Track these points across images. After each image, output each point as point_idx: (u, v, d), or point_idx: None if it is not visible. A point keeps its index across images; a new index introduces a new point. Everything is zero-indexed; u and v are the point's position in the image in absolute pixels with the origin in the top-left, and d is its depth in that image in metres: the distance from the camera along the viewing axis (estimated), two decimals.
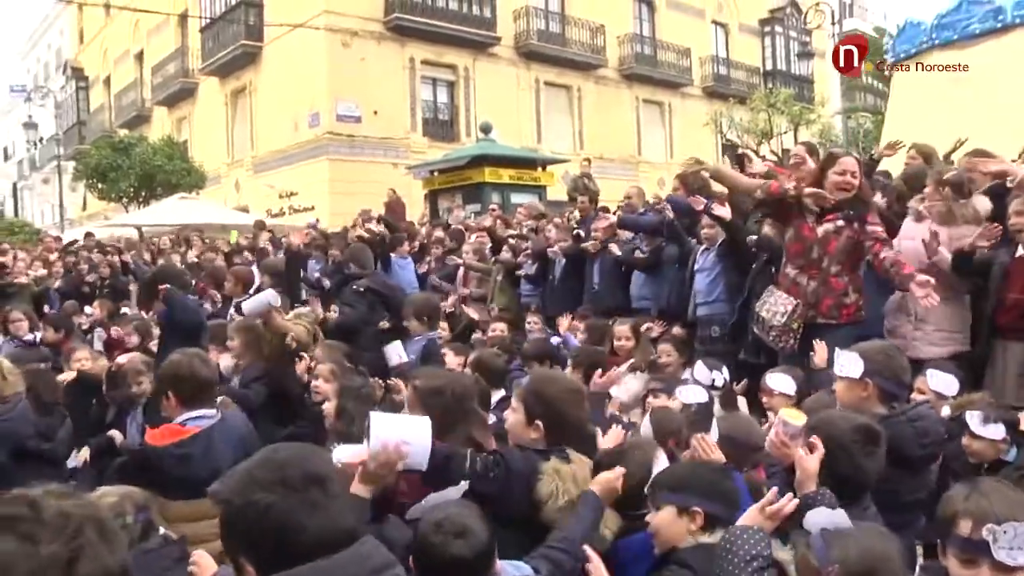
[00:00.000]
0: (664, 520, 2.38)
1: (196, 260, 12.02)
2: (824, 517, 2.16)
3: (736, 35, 31.04)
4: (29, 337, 7.41)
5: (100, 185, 23.89)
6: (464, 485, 2.50)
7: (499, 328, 6.76)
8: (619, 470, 2.60)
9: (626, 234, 7.66)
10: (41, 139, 35.53)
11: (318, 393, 4.48)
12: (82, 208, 37.13)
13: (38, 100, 35.41)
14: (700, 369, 4.68)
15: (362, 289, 6.86)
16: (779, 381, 4.03)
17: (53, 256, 13.45)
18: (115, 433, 4.92)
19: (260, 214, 22.04)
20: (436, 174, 16.73)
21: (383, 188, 17.61)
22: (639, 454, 2.72)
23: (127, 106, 32.82)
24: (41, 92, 35.51)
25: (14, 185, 47.64)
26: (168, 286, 5.69)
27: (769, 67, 31.50)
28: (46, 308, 9.60)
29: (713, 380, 4.53)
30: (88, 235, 16.29)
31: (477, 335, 7.27)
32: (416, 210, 17.20)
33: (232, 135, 26.32)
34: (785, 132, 23.71)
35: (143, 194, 23.24)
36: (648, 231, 7.25)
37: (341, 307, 6.96)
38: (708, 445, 2.87)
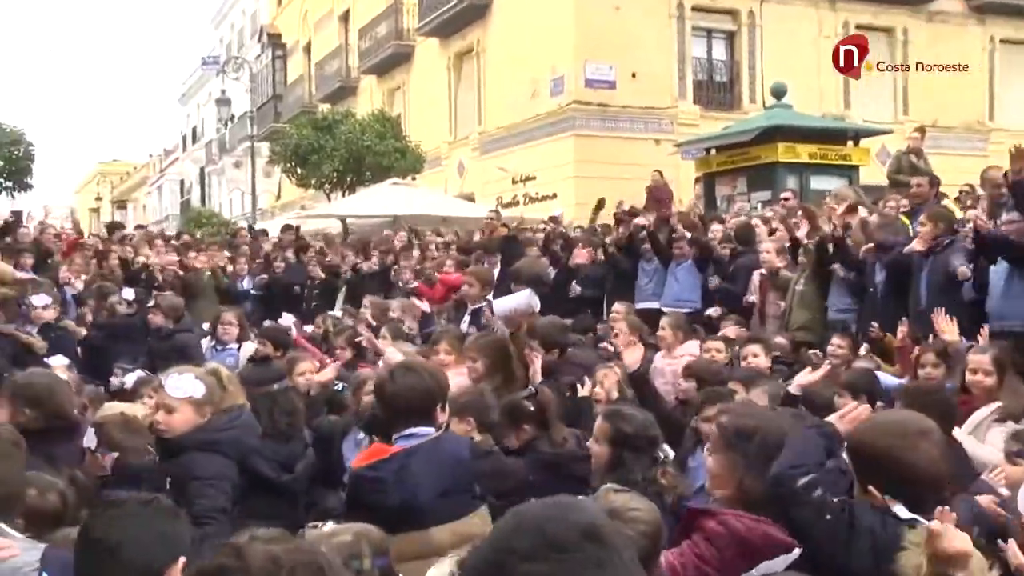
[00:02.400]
0: None
1: (420, 266, 13.30)
2: None
3: None
4: (234, 347, 8.75)
5: (299, 169, 26.43)
6: (796, 552, 2.76)
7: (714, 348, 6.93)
8: None
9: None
10: (233, 117, 40.04)
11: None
12: (276, 196, 41.37)
13: (231, 72, 39.39)
14: None
15: None
16: None
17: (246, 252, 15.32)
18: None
19: (488, 203, 23.54)
20: (712, 152, 17.27)
21: (643, 171, 18.34)
22: None
23: (330, 76, 36.32)
24: (235, 63, 39.50)
25: (201, 170, 54.12)
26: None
27: None
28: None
29: None
30: (287, 228, 18.32)
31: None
32: (685, 198, 17.76)
33: (455, 108, 28.39)
34: None
35: (349, 180, 25.40)
36: None
37: None
38: None
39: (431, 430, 3.84)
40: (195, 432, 4.18)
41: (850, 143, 16.73)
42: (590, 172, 22.15)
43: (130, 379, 6.96)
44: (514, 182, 24.87)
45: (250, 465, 4.59)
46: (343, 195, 25.17)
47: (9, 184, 29.94)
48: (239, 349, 8.64)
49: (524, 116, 24.46)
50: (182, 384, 4.23)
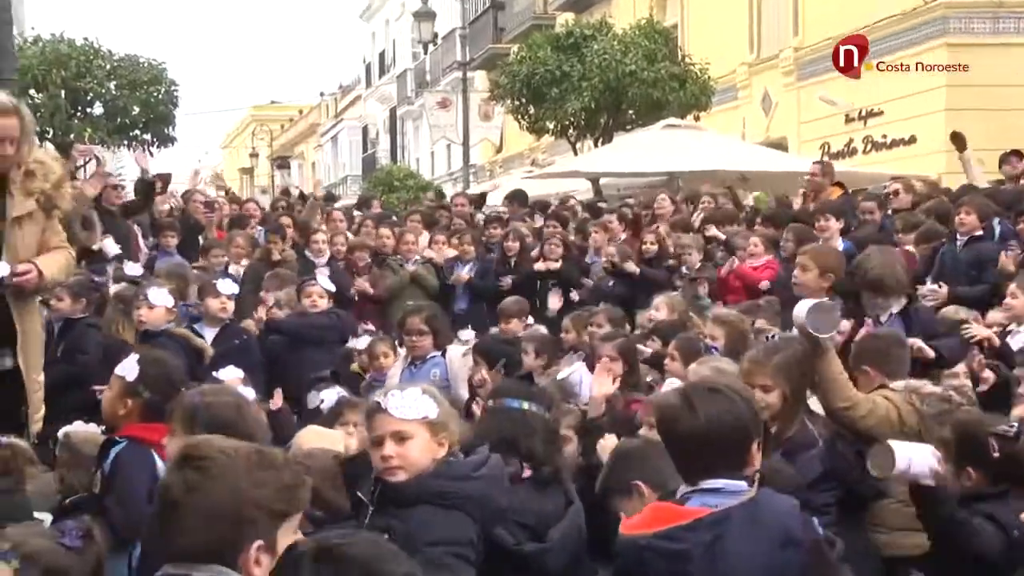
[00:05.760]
0: None
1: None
2: None
3: None
4: (435, 355, 8.86)
5: (531, 109, 26.90)
6: None
7: None
8: None
9: None
10: (436, 37, 40.98)
11: None
12: (496, 148, 42.14)
13: None
14: None
15: None
16: None
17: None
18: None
19: (809, 151, 23.06)
20: None
21: None
22: None
23: None
24: None
25: (392, 113, 55.89)
26: None
27: None
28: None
29: None
30: (515, 196, 18.34)
31: None
32: None
33: (758, 13, 28.26)
34: None
35: (604, 121, 25.61)
36: None
37: None
38: None
39: (743, 485, 3.87)
40: (430, 479, 4.26)
41: None
42: (971, 102, 21.42)
43: (328, 397, 7.16)
44: (848, 120, 24.49)
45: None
46: (595, 144, 25.51)
47: (147, 136, 31.77)
48: (443, 356, 8.86)
49: (865, 20, 23.82)
50: (410, 402, 4.34)
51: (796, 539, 3.81)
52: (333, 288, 10.61)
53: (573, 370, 6.01)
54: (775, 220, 13.13)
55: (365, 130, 62.49)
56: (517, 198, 18.14)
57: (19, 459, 5.53)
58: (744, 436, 3.93)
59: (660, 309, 9.52)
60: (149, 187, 13.50)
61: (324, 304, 10.24)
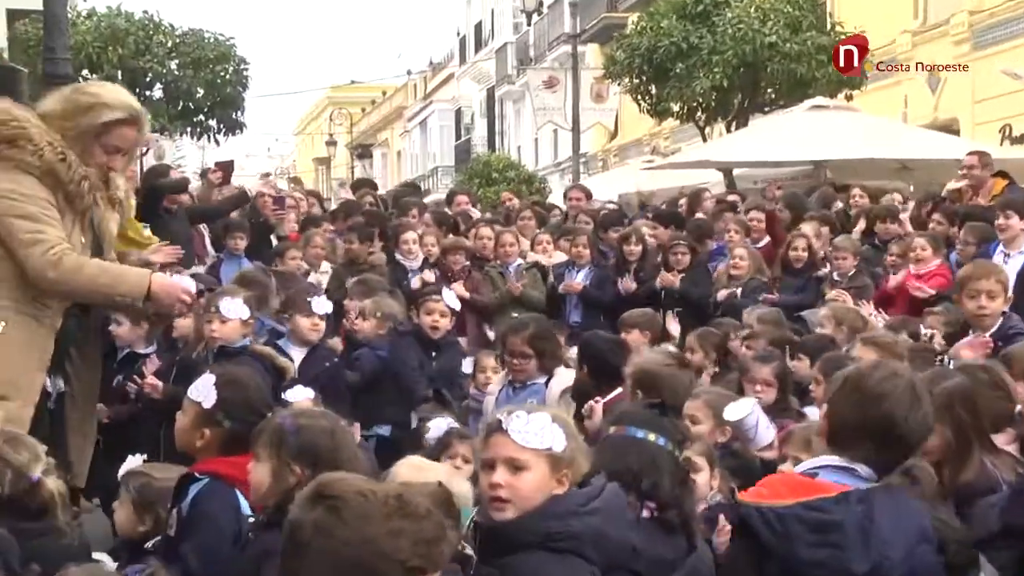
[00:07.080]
0: None
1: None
2: None
3: None
4: (538, 381, 8.58)
5: (653, 88, 26.85)
6: None
7: None
8: None
9: None
10: (541, 5, 41.00)
11: None
12: (611, 135, 41.99)
13: None
14: None
15: None
16: None
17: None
18: None
19: (986, 134, 22.65)
20: None
21: None
22: None
23: None
24: None
25: (490, 94, 56.01)
26: None
27: None
28: None
29: None
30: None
31: None
32: None
33: None
34: None
35: (738, 102, 25.55)
36: None
37: None
38: None
39: (873, 475, 4.18)
40: (536, 518, 4.16)
41: None
42: None
43: (437, 427, 7.13)
44: None
45: None
46: (728, 129, 25.48)
47: (212, 122, 32.13)
48: (547, 383, 8.62)
49: None
50: (536, 428, 4.23)
51: (930, 538, 4.17)
52: (458, 306, 10.52)
53: (749, 412, 5.78)
54: (947, 216, 12.77)
55: (458, 113, 62.86)
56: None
57: (56, 497, 5.47)
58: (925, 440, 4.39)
59: (826, 325, 9.26)
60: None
61: (447, 324, 10.14)
